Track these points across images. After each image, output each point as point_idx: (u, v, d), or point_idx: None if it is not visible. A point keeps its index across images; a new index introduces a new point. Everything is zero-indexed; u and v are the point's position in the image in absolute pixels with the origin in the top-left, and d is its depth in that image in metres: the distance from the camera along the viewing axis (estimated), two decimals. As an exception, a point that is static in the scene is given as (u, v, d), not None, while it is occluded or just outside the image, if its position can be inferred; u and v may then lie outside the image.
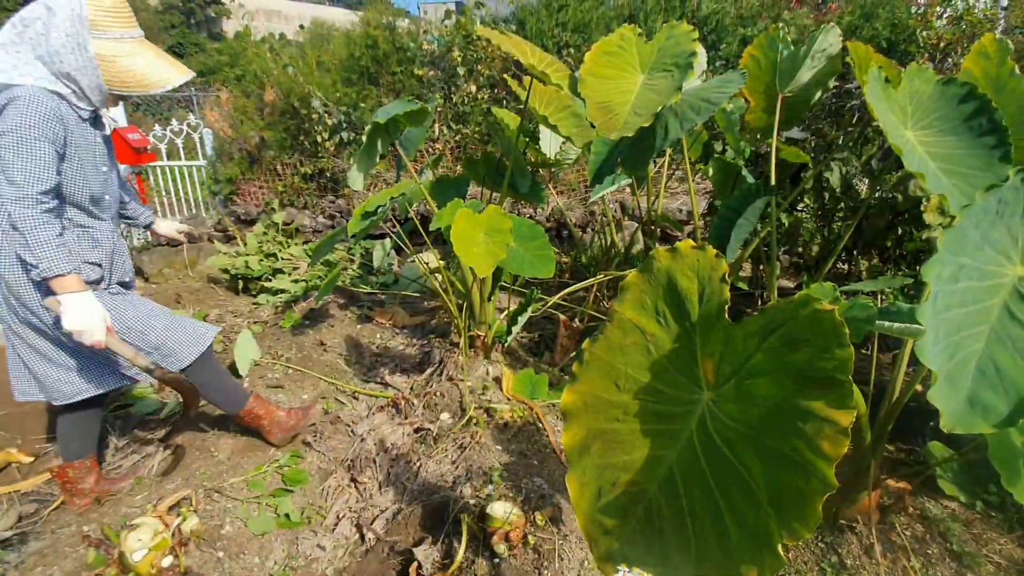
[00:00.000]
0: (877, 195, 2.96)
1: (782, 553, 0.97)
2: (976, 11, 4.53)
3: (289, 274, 4.60)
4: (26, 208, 1.72)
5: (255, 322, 3.88)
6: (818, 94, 2.58)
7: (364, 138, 2.85)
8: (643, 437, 1.21)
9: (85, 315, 1.82)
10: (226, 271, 4.48)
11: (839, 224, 3.27)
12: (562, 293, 3.29)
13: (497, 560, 1.92)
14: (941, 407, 1.33)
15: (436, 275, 3.55)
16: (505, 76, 3.68)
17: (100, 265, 2.01)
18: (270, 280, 4.48)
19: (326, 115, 5.85)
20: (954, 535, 2.08)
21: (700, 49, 2.46)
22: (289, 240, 5.16)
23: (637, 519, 1.17)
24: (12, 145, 1.71)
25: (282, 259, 4.77)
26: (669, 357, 1.20)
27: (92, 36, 1.82)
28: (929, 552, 2.03)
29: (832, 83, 2.58)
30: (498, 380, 3.00)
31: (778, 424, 1.03)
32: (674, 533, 1.12)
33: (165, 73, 1.94)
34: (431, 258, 4.20)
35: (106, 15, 1.83)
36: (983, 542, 2.08)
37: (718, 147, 3.55)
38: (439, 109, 6.05)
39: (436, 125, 6.08)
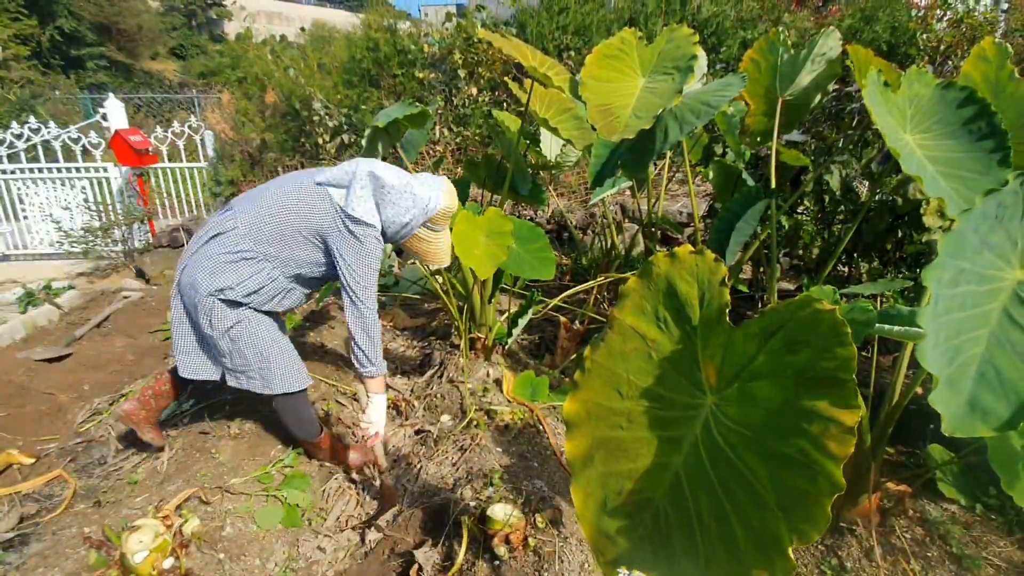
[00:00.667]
0: (877, 198, 2.96)
1: (792, 556, 0.97)
2: (976, 14, 4.54)
3: None
4: (375, 320, 2.18)
5: None
6: (818, 97, 2.58)
7: (365, 141, 2.86)
8: (647, 444, 1.20)
9: (380, 413, 2.26)
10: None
11: (839, 227, 3.28)
12: (562, 295, 3.29)
13: (497, 562, 1.92)
14: (942, 411, 1.33)
15: (437, 277, 3.56)
16: (506, 79, 3.69)
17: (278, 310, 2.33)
18: None
19: (327, 117, 5.86)
20: (954, 538, 2.08)
21: (700, 52, 2.46)
22: None
23: (644, 527, 1.17)
24: (370, 273, 2.17)
25: None
26: (671, 362, 1.20)
27: (423, 225, 2.26)
28: (929, 555, 2.03)
29: (832, 86, 2.59)
30: (498, 382, 3.01)
31: (782, 426, 1.03)
32: (682, 539, 1.12)
33: (444, 256, 2.39)
34: (432, 260, 4.20)
35: (442, 216, 2.28)
36: (983, 545, 2.08)
37: (718, 150, 3.55)
38: (440, 111, 6.06)
39: (437, 127, 6.09)
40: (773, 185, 2.49)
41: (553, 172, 4.28)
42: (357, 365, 2.20)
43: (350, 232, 2.12)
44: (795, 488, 0.97)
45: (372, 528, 2.23)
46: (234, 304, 2.17)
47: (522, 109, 2.97)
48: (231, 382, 2.30)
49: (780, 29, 2.61)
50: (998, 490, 2.21)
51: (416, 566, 1.95)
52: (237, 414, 2.78)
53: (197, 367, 2.30)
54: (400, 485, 2.41)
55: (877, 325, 1.56)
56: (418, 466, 2.48)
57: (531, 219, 5.56)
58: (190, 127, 6.59)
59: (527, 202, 3.49)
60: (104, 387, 3.27)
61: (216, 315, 2.16)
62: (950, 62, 4.40)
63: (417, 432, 2.72)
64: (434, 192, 2.22)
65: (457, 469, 2.43)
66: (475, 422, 2.68)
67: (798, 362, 1.02)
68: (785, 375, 1.03)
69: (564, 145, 3.55)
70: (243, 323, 2.20)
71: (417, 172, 2.53)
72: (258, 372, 2.27)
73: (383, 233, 2.23)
